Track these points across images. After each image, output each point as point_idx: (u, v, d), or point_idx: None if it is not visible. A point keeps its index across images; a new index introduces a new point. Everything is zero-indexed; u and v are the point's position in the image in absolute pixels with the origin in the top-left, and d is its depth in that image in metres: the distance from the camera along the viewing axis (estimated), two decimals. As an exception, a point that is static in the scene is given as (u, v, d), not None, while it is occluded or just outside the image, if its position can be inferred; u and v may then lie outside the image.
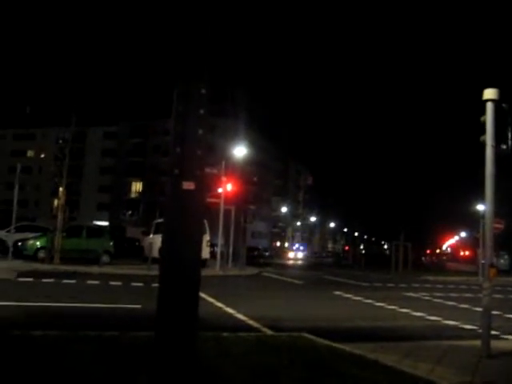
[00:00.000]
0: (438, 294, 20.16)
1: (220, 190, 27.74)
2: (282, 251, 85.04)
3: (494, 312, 8.69)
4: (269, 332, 9.46)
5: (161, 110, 61.55)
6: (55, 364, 5.65)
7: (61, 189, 26.19)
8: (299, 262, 57.64)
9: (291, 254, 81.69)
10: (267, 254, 66.53)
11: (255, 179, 72.82)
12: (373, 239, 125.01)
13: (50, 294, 13.73)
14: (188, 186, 4.46)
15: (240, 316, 11.35)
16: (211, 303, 13.04)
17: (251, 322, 10.55)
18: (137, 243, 39.32)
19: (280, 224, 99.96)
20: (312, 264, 53.52)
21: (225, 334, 8.07)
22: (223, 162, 28.11)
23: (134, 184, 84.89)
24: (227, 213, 28.09)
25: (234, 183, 29.92)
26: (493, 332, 8.31)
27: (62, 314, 10.56)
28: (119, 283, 17.31)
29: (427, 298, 18.85)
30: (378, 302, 15.90)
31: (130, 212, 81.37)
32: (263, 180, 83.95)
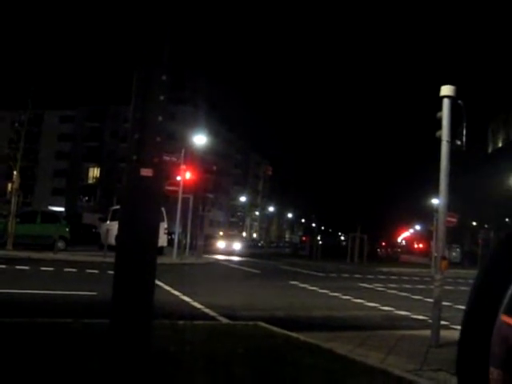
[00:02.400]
0: (392, 285, 20.56)
1: (179, 178, 27.58)
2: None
3: (445, 303, 8.93)
4: (225, 321, 9.48)
5: (119, 95, 60.65)
6: (5, 351, 5.54)
7: (15, 173, 25.60)
8: (257, 251, 57.93)
9: (221, 245, 56.10)
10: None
11: (214, 168, 72.60)
12: (330, 230, 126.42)
13: (1, 279, 13.45)
14: (146, 172, 4.42)
15: (196, 304, 11.35)
16: (167, 291, 12.99)
17: (207, 311, 10.55)
18: (93, 230, 38.83)
19: (238, 213, 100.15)
20: (269, 254, 53.85)
21: (180, 322, 8.06)
22: (183, 150, 27.96)
23: (90, 170, 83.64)
24: (185, 201, 27.98)
25: (193, 171, 29.80)
26: (443, 322, 8.53)
27: (14, 301, 10.35)
28: (74, 270, 17.07)
29: (381, 288, 19.21)
30: (333, 292, 16.12)
31: (86, 198, 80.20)
32: (223, 169, 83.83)
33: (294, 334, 7.88)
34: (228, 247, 55.32)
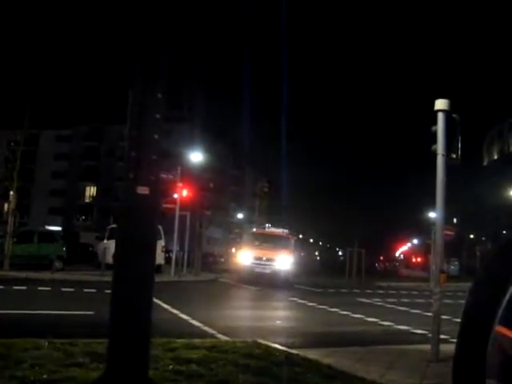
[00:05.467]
0: (391, 300, 20.50)
1: (175, 196, 27.57)
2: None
3: (444, 317, 8.90)
4: (223, 338, 9.44)
5: (115, 114, 60.82)
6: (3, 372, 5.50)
7: (11, 193, 25.56)
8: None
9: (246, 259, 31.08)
10: (223, 259, 66.29)
11: (211, 185, 72.60)
12: (327, 246, 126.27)
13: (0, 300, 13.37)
14: (142, 190, 4.43)
15: (195, 322, 11.29)
16: (166, 309, 12.92)
17: (206, 328, 10.50)
18: (90, 249, 38.67)
19: (236, 230, 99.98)
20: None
21: (179, 340, 8.01)
22: (179, 168, 27.98)
23: (87, 188, 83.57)
24: (183, 218, 27.93)
25: (190, 189, 29.82)
26: (442, 336, 8.49)
27: (11, 321, 10.28)
28: (72, 289, 16.98)
29: (380, 303, 19.15)
30: (331, 307, 16.06)
31: (83, 217, 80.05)
32: (220, 186, 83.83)
33: (292, 351, 7.84)
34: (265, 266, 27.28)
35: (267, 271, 26.06)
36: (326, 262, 61.45)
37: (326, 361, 7.22)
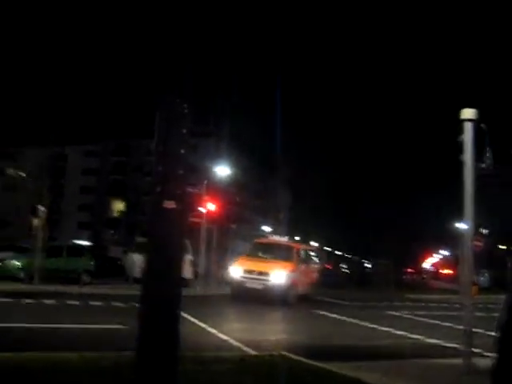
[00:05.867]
0: (420, 313, 20.22)
1: (202, 210, 27.70)
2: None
3: (476, 330, 8.75)
4: (251, 352, 9.41)
5: (142, 129, 61.51)
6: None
7: (41, 208, 25.93)
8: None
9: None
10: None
11: (237, 199, 72.79)
12: (355, 258, 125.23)
13: (30, 314, 13.52)
14: (169, 204, 4.46)
15: (222, 336, 11.28)
16: (193, 323, 12.92)
17: (233, 342, 10.48)
18: (118, 262, 38.97)
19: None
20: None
21: (206, 354, 8.02)
22: (205, 182, 28.14)
23: (115, 203, 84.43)
24: (209, 232, 28.03)
25: (216, 203, 29.93)
26: (474, 350, 8.34)
27: (42, 335, 10.39)
28: (100, 303, 17.11)
29: (409, 316, 18.90)
30: (360, 320, 15.91)
31: (111, 231, 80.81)
32: (244, 199, 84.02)
33: (320, 364, 7.78)
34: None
35: (259, 287, 20.57)
36: (353, 275, 60.91)
37: (353, 374, 7.14)
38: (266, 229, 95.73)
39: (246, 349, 9.73)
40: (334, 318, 16.79)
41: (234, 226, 66.34)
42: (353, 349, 10.85)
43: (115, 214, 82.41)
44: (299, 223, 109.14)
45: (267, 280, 20.63)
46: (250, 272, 21.02)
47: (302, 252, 24.40)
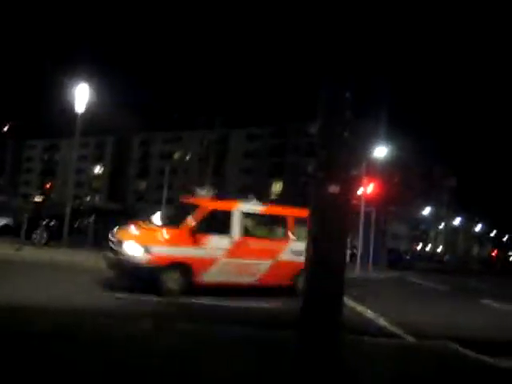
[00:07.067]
0: None
1: (360, 192, 27.41)
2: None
3: None
4: (410, 339, 9.19)
5: (299, 112, 62.14)
6: (196, 360, 5.93)
7: (203, 190, 27.28)
8: (442, 267, 55.22)
9: None
10: (408, 257, 64.46)
11: (396, 180, 70.90)
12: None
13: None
14: (333, 189, 4.48)
15: (381, 321, 11.14)
16: (351, 307, 12.88)
17: (392, 328, 10.31)
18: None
19: (421, 226, 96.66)
20: (455, 269, 51.06)
21: (365, 339, 7.97)
22: (364, 163, 27.76)
23: (273, 184, 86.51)
24: (367, 214, 27.69)
25: (375, 185, 29.41)
26: None
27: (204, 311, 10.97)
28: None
29: None
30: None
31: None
32: (404, 181, 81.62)
33: (484, 357, 7.38)
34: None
35: (113, 260, 12.89)
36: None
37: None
38: (427, 211, 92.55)
39: (406, 336, 9.52)
40: (501, 310, 15.83)
41: (392, 209, 64.89)
42: None
43: (274, 195, 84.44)
44: (462, 207, 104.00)
45: (120, 252, 12.67)
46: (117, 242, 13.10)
47: (239, 216, 13.59)
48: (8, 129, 71.43)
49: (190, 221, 12.85)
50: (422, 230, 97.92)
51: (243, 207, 13.90)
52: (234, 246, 13.24)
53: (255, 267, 13.43)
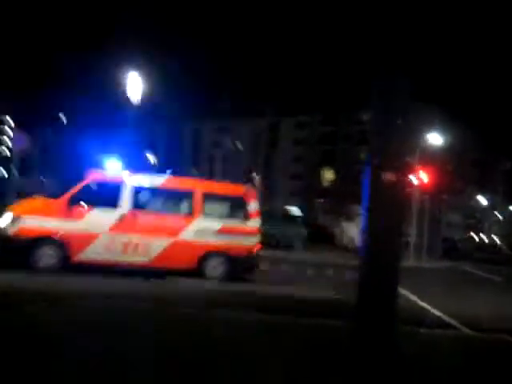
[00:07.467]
0: None
1: (414, 180, 26.96)
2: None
3: None
4: (466, 330, 9.00)
5: (349, 100, 61.46)
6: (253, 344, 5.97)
7: (256, 176, 27.47)
8: (497, 256, 53.71)
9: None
10: (462, 246, 62.99)
11: (450, 168, 69.38)
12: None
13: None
14: (389, 177, 4.41)
15: (435, 311, 10.94)
16: (405, 296, 12.63)
17: (447, 319, 10.10)
18: (327, 230, 39.78)
19: (476, 215, 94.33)
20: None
21: (421, 330, 7.85)
22: (417, 151, 27.27)
23: (325, 172, 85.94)
24: (421, 203, 27.24)
25: (428, 173, 28.85)
26: None
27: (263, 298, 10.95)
28: (312, 271, 17.56)
29: None
30: None
31: (321, 200, 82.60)
32: (458, 168, 79.77)
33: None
34: None
35: None
36: None
37: None
38: (482, 200, 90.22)
39: (461, 327, 9.32)
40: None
41: (446, 197, 63.58)
42: None
43: (325, 184, 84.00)
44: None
45: None
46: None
47: (130, 189, 12.08)
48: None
49: (70, 192, 11.68)
50: (477, 219, 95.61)
51: (136, 179, 12.28)
52: (121, 220, 11.76)
53: (147, 246, 11.79)
